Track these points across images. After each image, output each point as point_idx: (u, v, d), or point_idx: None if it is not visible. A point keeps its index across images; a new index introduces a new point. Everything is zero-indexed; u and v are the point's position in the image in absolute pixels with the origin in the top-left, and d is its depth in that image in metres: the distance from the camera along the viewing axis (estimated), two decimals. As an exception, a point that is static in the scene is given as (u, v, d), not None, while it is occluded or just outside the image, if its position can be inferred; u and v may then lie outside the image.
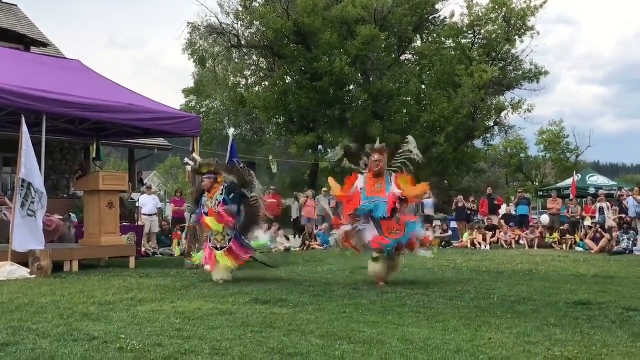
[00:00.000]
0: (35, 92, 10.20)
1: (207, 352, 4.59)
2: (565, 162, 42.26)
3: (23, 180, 9.50)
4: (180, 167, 46.46)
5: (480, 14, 32.95)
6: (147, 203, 15.99)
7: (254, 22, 30.50)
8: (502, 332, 5.51)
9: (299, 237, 18.67)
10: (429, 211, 20.36)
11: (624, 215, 17.58)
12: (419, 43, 35.12)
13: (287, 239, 18.30)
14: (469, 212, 20.72)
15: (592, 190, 23.83)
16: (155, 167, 61.63)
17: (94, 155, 14.33)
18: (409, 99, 31.83)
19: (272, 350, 4.66)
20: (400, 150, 9.12)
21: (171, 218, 17.41)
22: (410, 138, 9.32)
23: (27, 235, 9.54)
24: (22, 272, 9.14)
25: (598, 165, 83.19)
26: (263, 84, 33.63)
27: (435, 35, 34.56)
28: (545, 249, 17.38)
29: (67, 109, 10.77)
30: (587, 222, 18.62)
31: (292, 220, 21.20)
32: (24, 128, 9.57)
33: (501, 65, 33.35)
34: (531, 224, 19.90)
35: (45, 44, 19.20)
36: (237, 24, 31.48)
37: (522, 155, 43.34)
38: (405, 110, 31.59)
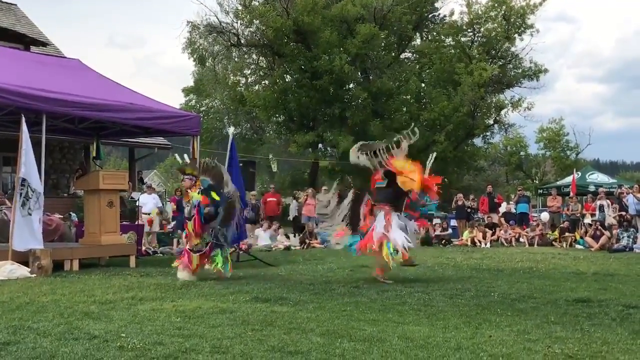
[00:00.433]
0: (35, 92, 10.18)
1: (207, 350, 4.60)
2: (565, 159, 42.28)
3: (23, 180, 9.50)
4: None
5: (480, 12, 32.96)
6: (147, 202, 16.00)
7: (254, 20, 30.48)
8: (502, 329, 5.52)
9: (299, 235, 18.67)
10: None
11: (624, 213, 17.58)
12: (418, 41, 35.13)
13: (287, 237, 18.31)
14: (469, 210, 20.71)
15: (592, 188, 23.85)
16: (156, 166, 61.56)
17: (94, 155, 14.30)
18: (408, 97, 31.81)
19: (272, 349, 4.66)
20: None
21: (171, 217, 17.39)
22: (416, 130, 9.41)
23: (27, 234, 9.54)
24: (23, 271, 9.14)
25: (598, 162, 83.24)
26: (263, 82, 33.63)
27: (434, 33, 34.56)
28: (545, 247, 17.39)
29: (67, 108, 10.76)
30: (587, 220, 18.62)
31: (290, 219, 21.21)
32: (24, 127, 9.56)
33: (501, 63, 33.36)
34: (531, 221, 19.89)
35: (44, 43, 19.18)
36: (237, 22, 31.48)
37: (522, 153, 43.41)
38: (405, 109, 31.56)
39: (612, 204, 18.75)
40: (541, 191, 28.66)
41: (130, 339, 4.89)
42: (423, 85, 33.38)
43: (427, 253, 14.02)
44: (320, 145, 31.95)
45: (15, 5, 22.02)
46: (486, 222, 19.59)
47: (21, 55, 13.96)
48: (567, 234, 18.18)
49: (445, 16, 34.29)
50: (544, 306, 6.81)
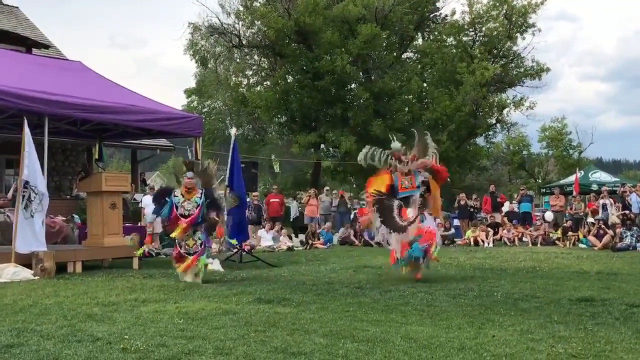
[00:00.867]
0: (37, 94, 10.20)
1: (210, 351, 4.60)
2: (567, 158, 42.23)
3: (26, 182, 9.52)
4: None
5: (481, 12, 32.90)
6: (150, 203, 15.97)
7: (255, 21, 30.49)
8: (506, 329, 5.51)
9: (300, 235, 18.68)
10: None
11: (627, 212, 17.55)
12: (420, 41, 35.09)
13: (290, 238, 18.32)
14: (471, 209, 20.70)
15: (595, 187, 23.76)
16: (158, 167, 61.59)
17: (97, 157, 14.33)
18: (410, 97, 31.78)
19: (275, 350, 4.66)
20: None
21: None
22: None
23: (30, 236, 9.56)
24: (26, 273, 9.16)
25: (601, 161, 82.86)
26: (264, 83, 33.62)
27: (436, 33, 34.51)
28: (549, 246, 17.36)
29: (69, 111, 10.77)
30: (590, 219, 18.59)
31: (291, 219, 21.20)
32: (26, 130, 9.58)
33: (503, 62, 33.30)
34: (534, 221, 19.87)
35: (46, 46, 19.20)
36: (238, 23, 31.48)
37: (524, 152, 43.34)
38: (407, 109, 31.52)
39: (615, 203, 18.72)
40: (544, 190, 28.62)
41: (134, 340, 4.89)
42: (425, 85, 33.33)
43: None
44: (322, 146, 31.90)
45: (17, 7, 22.07)
46: (489, 221, 19.58)
47: (23, 57, 14.00)
48: (570, 233, 18.15)
49: (446, 16, 34.25)
50: (547, 306, 6.80)
